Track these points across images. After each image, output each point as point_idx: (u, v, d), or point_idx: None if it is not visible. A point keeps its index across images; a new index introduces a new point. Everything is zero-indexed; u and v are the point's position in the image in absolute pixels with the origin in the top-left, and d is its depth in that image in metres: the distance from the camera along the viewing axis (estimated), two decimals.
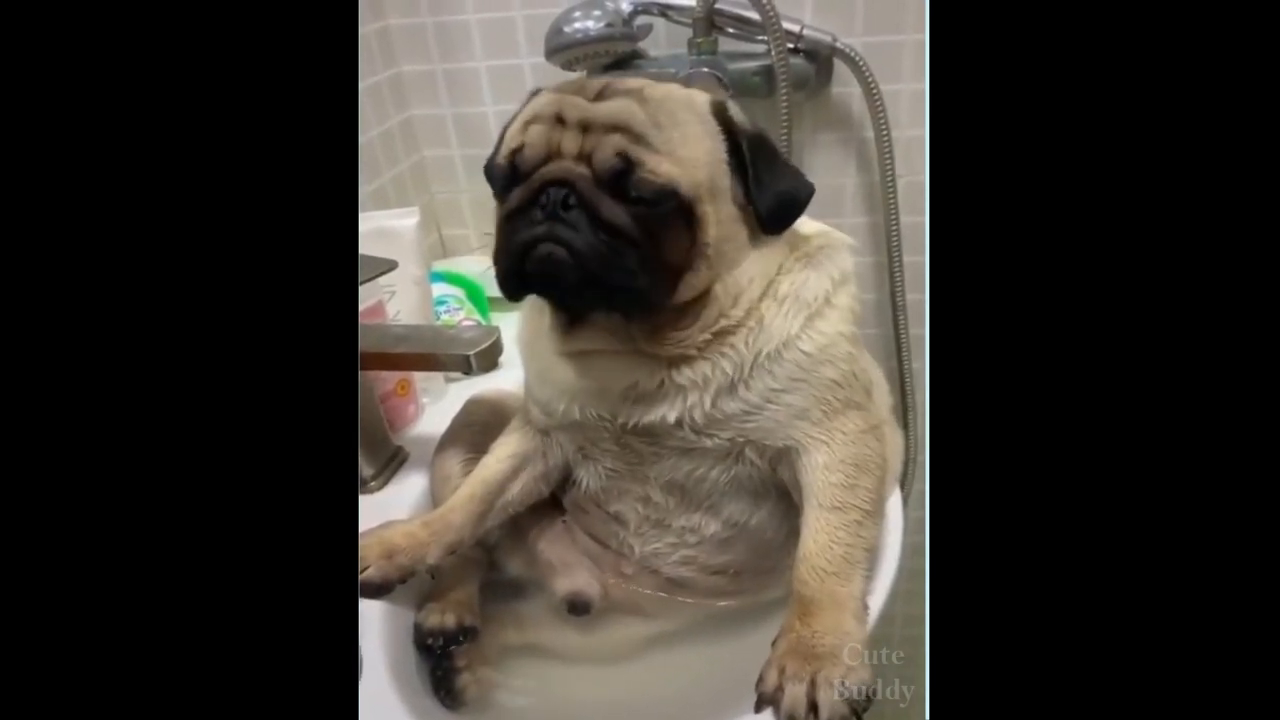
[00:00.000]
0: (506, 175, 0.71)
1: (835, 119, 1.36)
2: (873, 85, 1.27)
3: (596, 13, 1.25)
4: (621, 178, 0.66)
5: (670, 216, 0.68)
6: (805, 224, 0.80)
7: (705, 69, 1.25)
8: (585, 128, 0.68)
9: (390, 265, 0.91)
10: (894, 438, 0.92)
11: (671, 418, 0.75)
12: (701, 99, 0.72)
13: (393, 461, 1.06)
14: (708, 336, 0.73)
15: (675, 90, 0.72)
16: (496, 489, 0.88)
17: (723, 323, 0.73)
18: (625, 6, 1.26)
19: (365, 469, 1.02)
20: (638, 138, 0.67)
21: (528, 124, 0.70)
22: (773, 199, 0.72)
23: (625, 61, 1.31)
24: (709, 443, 0.77)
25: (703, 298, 0.72)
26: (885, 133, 1.29)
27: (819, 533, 0.73)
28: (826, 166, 1.39)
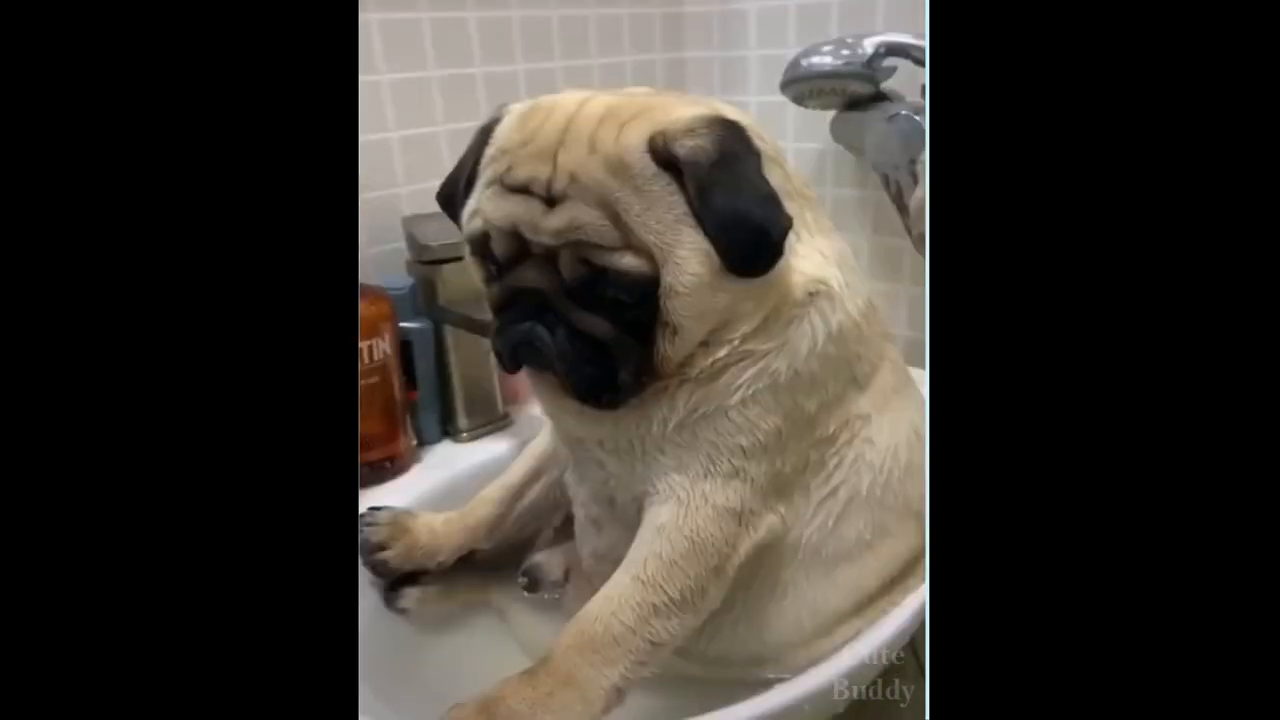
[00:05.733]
0: (483, 255, 0.68)
1: None
2: None
3: (844, 51, 1.22)
4: (591, 286, 0.63)
5: (645, 304, 0.62)
6: (803, 261, 0.68)
7: None
8: (544, 240, 0.64)
9: None
10: (893, 430, 0.76)
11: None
12: (636, 142, 0.61)
13: (491, 423, 1.13)
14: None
15: (607, 151, 0.61)
16: (517, 493, 0.91)
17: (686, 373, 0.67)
18: (868, 47, 1.20)
19: (462, 419, 1.11)
20: (595, 246, 0.61)
21: (488, 222, 0.66)
22: (725, 230, 0.60)
23: (865, 102, 1.24)
24: (612, 464, 0.73)
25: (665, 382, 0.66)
26: None
27: (611, 599, 0.66)
28: None
